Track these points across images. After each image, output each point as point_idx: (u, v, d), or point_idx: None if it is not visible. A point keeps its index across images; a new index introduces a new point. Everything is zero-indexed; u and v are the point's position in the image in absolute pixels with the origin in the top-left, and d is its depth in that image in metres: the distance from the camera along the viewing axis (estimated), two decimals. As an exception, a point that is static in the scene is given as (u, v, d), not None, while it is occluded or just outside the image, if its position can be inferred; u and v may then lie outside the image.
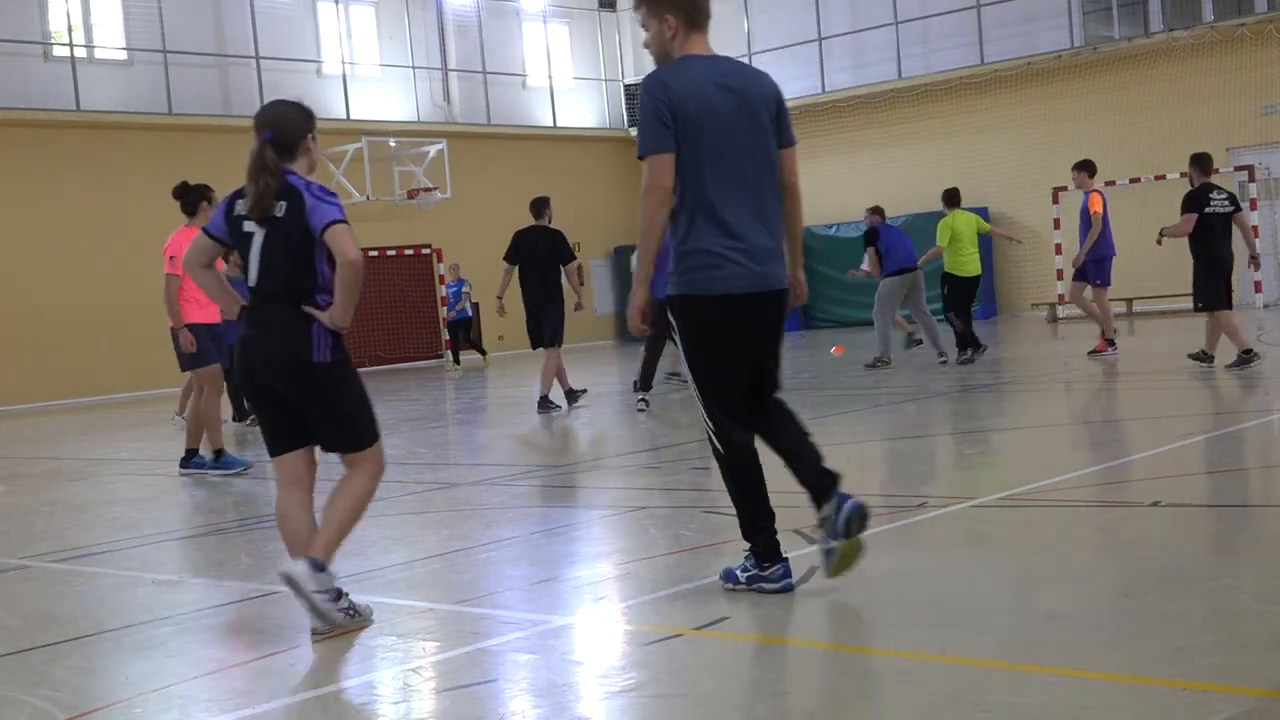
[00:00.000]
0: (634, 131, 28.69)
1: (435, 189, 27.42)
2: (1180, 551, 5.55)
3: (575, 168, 31.56)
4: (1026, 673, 3.99)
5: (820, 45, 29.43)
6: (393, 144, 27.32)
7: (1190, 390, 12.05)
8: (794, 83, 30.07)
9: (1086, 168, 16.04)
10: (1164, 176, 24.50)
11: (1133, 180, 24.83)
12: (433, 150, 27.62)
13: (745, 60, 30.59)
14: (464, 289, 25.36)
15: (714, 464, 8.75)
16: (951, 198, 16.33)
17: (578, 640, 4.93)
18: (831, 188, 28.89)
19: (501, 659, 4.68)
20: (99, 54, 24.98)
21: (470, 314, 25.81)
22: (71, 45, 24.29)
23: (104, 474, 12.31)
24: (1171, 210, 24.29)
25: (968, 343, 15.72)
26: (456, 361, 25.60)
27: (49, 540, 8.32)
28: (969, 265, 16.02)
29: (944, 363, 15.76)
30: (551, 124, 31.65)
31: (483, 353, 26.13)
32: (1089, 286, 15.67)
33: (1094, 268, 15.46)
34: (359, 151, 26.36)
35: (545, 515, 7.84)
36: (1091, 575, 5.22)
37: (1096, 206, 15.39)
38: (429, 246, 28.32)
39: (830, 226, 28.67)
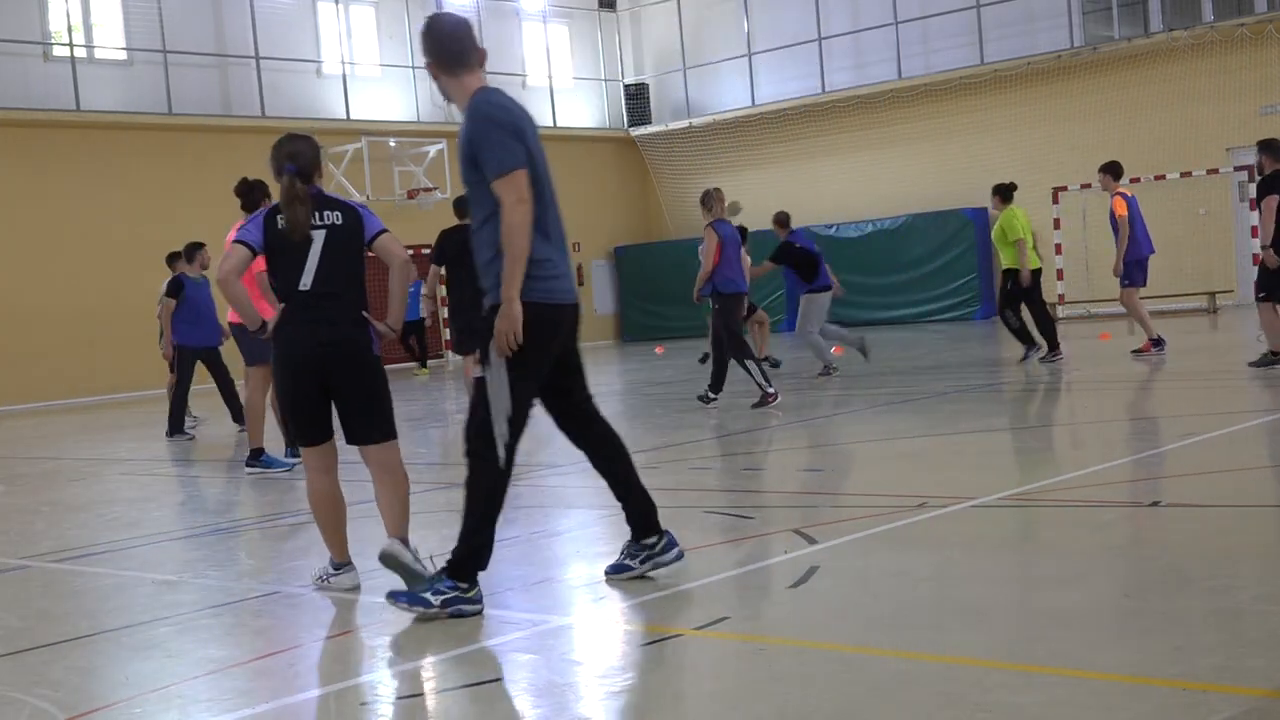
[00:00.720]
0: (634, 132, 28.58)
1: (435, 189, 27.43)
2: (1180, 551, 5.55)
3: (575, 167, 31.52)
4: (1026, 673, 3.99)
5: (820, 45, 29.43)
6: (393, 144, 27.32)
7: (1190, 390, 12.05)
8: (794, 83, 30.10)
9: (1111, 170, 15.60)
10: (1164, 176, 24.51)
11: (1133, 180, 24.73)
12: (433, 150, 27.61)
13: (745, 61, 30.62)
14: (423, 290, 24.59)
15: (717, 464, 8.73)
16: (1007, 193, 15.53)
17: (578, 640, 4.93)
18: (831, 188, 28.89)
19: (502, 659, 4.69)
20: (99, 54, 24.97)
21: (421, 315, 24.49)
22: (71, 45, 24.28)
23: (103, 474, 12.31)
24: (1170, 211, 24.44)
25: (1030, 338, 15.22)
26: (423, 365, 24.98)
27: (49, 540, 8.32)
28: (1035, 258, 15.35)
29: (831, 374, 15.32)
30: (551, 124, 31.64)
31: (423, 363, 25.00)
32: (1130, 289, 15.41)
33: (1133, 268, 15.19)
34: (359, 151, 26.36)
35: (545, 515, 7.83)
36: (1091, 575, 5.22)
37: (1121, 209, 15.10)
38: (429, 247, 28.28)
39: (830, 227, 28.68)
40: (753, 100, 30.66)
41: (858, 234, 28.33)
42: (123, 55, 25.14)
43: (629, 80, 33.01)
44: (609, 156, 32.45)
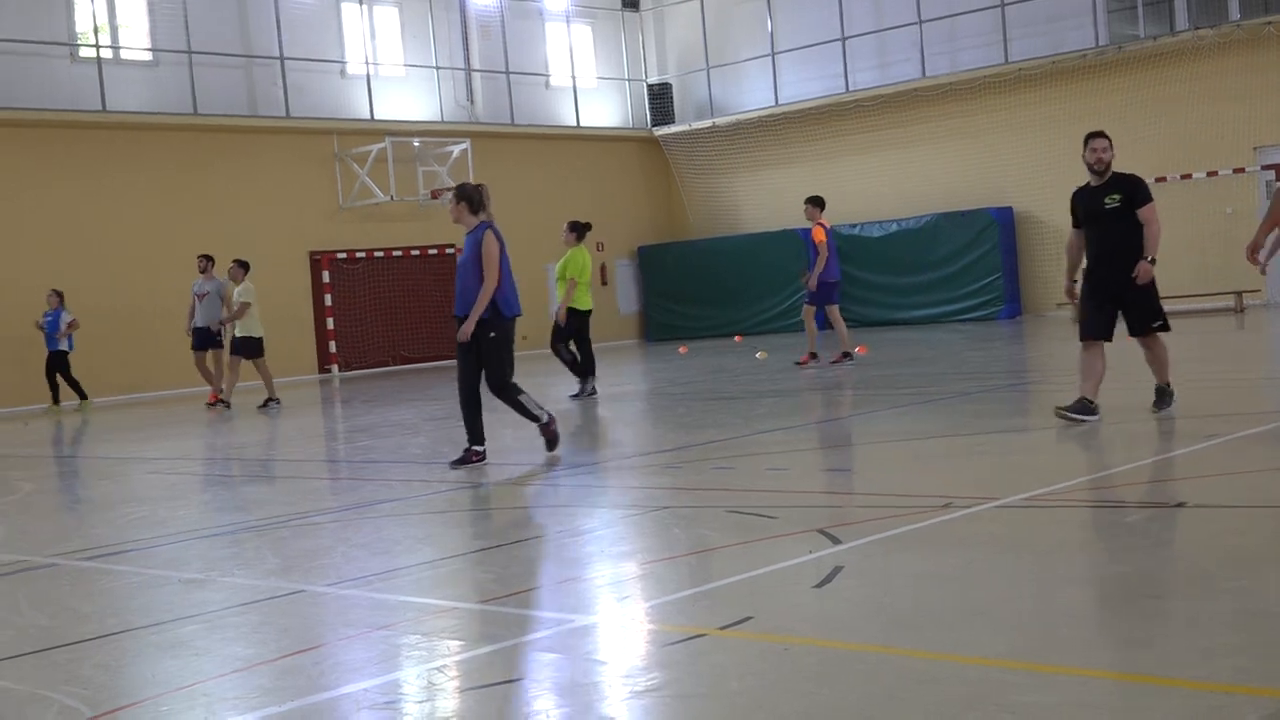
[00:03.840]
0: (657, 131, 28.87)
1: (458, 188, 27.42)
2: (1204, 553, 5.53)
3: (598, 167, 31.58)
4: (1051, 674, 3.99)
5: (844, 45, 29.39)
6: (416, 144, 27.38)
7: (1214, 390, 11.99)
8: (817, 82, 30.06)
9: (816, 203, 17.22)
10: (1190, 175, 24.38)
11: (1158, 179, 24.65)
12: (456, 150, 27.67)
13: (768, 60, 30.51)
14: (63, 319, 21.07)
15: (741, 464, 8.74)
16: (582, 231, 15.77)
17: (601, 639, 4.94)
18: (855, 187, 28.82)
19: (525, 658, 4.70)
20: (125, 55, 25.11)
21: (69, 348, 21.22)
22: (98, 46, 24.42)
23: (131, 472, 12.38)
24: (1196, 210, 24.29)
25: (589, 370, 15.54)
26: (55, 401, 21.30)
27: (77, 538, 8.38)
28: (588, 299, 15.68)
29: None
30: (575, 124, 31.69)
31: (82, 395, 21.44)
32: (823, 307, 17.10)
33: (826, 290, 16.95)
34: (383, 151, 26.44)
35: (568, 514, 7.85)
36: (1116, 576, 5.21)
37: (820, 236, 16.84)
38: (452, 246, 28.35)
39: (854, 226, 28.63)
40: (776, 100, 30.63)
41: (882, 234, 28.28)
42: (148, 56, 25.26)
43: (652, 80, 33.01)
44: (632, 156, 32.47)
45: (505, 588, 5.92)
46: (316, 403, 20.68)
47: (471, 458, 9.87)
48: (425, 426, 14.33)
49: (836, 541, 6.08)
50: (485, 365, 9.90)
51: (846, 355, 16.91)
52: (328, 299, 26.55)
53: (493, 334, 9.80)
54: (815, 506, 7.23)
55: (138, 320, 23.86)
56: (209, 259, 19.00)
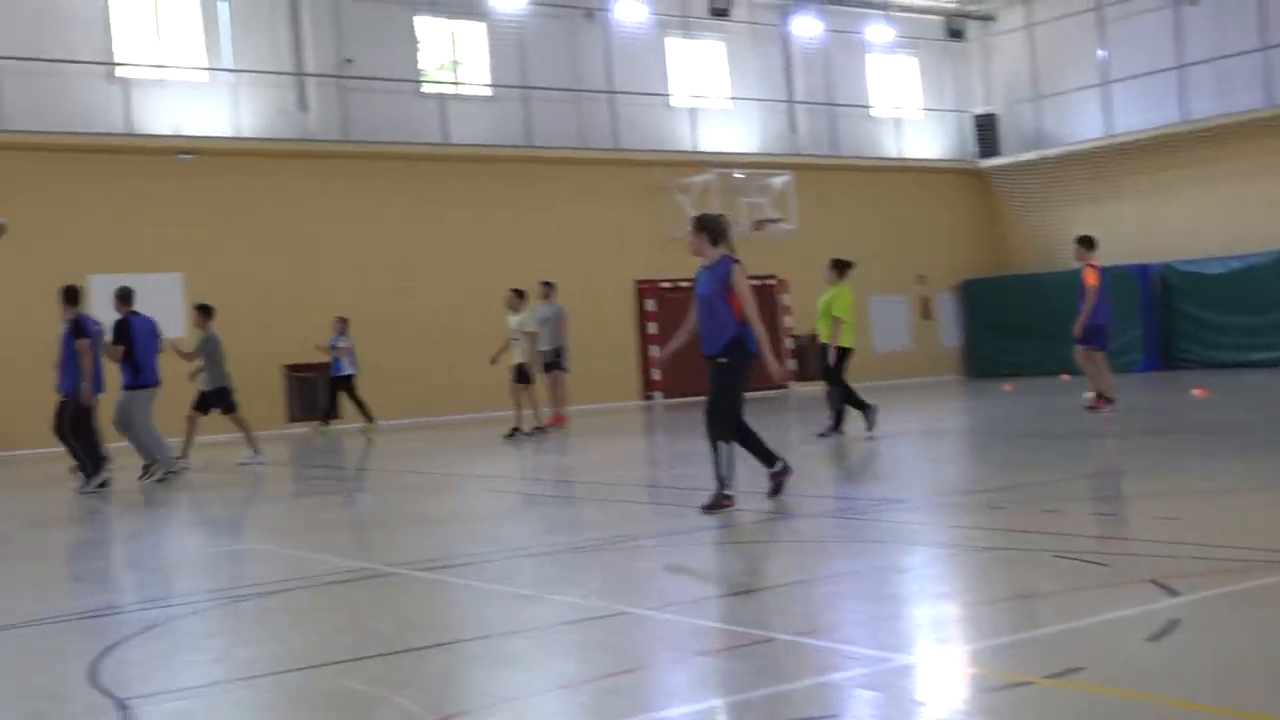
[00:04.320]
0: (984, 163, 28.37)
1: (782, 220, 27.61)
2: None
3: (921, 199, 31.20)
4: None
5: (1179, 73, 28.11)
6: (738, 175, 27.69)
7: None
8: (1151, 112, 28.84)
9: (1087, 243, 16.42)
10: None
11: None
12: (778, 182, 27.84)
13: (1099, 90, 29.45)
14: (340, 343, 21.67)
15: (1069, 507, 8.44)
16: (844, 269, 15.34)
17: (921, 679, 4.87)
18: (1192, 222, 27.51)
19: (843, 693, 4.67)
20: (465, 90, 26.42)
21: (350, 371, 21.68)
22: (441, 82, 25.88)
23: (461, 489, 12.94)
24: None
25: (863, 402, 14.97)
26: (325, 422, 22.18)
27: (414, 550, 8.81)
28: (851, 337, 15.19)
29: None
30: (898, 154, 31.40)
31: (368, 418, 21.45)
32: (1092, 351, 16.17)
33: (1093, 334, 16.05)
34: (707, 183, 26.87)
35: (887, 550, 7.75)
36: None
37: (1091, 280, 15.97)
38: (774, 277, 28.50)
39: (1191, 262, 27.31)
40: (1108, 130, 29.57)
41: (1223, 270, 26.88)
42: (488, 91, 26.51)
43: (978, 111, 32.38)
44: (955, 188, 31.94)
45: (822, 621, 5.91)
46: (639, 429, 21.12)
47: (781, 481, 9.69)
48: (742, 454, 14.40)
49: (1172, 593, 5.80)
50: (712, 393, 9.41)
51: (1109, 401, 15.97)
52: (651, 327, 27.12)
53: (729, 364, 9.38)
54: (1150, 555, 6.92)
55: (469, 341, 24.91)
56: (550, 285, 19.67)
